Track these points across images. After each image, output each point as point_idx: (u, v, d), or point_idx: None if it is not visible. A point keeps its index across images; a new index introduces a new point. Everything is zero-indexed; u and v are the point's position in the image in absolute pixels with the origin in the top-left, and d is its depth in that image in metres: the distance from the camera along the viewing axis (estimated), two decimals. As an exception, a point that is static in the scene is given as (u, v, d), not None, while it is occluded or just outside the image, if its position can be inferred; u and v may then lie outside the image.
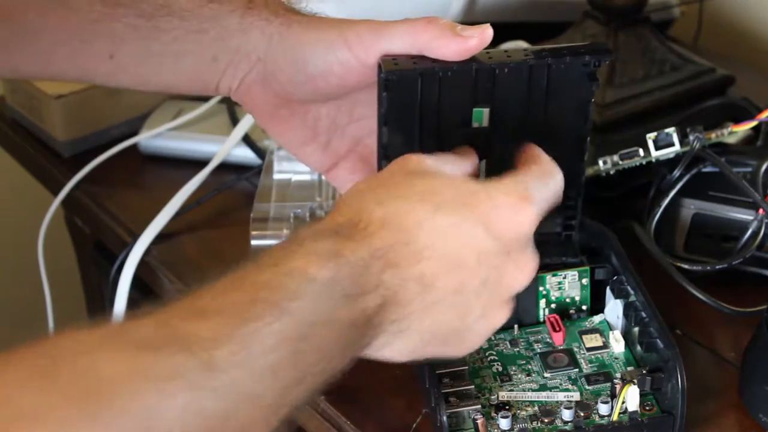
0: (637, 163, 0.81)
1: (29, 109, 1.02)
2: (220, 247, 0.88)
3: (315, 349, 0.52)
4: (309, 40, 0.65)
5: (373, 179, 0.60)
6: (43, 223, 0.98)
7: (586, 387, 0.70)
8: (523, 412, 0.68)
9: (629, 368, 0.70)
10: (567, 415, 0.67)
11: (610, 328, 0.74)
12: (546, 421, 0.67)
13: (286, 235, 0.81)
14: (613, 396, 0.67)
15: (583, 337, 0.73)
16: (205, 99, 1.01)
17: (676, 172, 0.80)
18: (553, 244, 0.72)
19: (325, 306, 0.53)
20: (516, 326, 0.74)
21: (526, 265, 0.60)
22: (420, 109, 0.65)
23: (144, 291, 0.93)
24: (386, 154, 0.66)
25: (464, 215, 0.57)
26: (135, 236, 0.88)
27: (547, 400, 0.69)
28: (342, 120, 0.68)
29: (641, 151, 0.80)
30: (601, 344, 0.73)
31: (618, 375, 0.70)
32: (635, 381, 0.67)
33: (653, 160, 0.80)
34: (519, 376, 0.71)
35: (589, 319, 0.75)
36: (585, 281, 0.75)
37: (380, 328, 0.56)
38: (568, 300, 0.75)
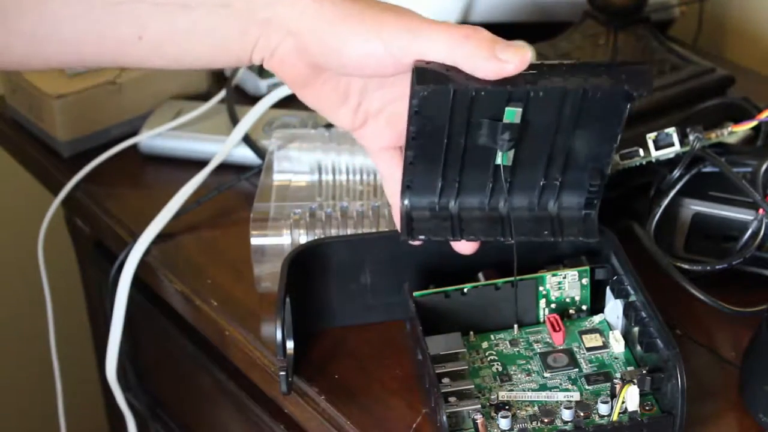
0: (637, 163, 0.81)
1: (29, 109, 1.02)
2: (220, 247, 0.88)
3: None
4: (343, 30, 0.64)
5: None
6: (43, 223, 0.98)
7: (586, 387, 0.70)
8: (523, 412, 0.68)
9: (629, 368, 0.70)
10: (567, 415, 0.67)
11: (610, 328, 0.74)
12: (546, 421, 0.67)
13: (285, 234, 0.81)
14: (613, 396, 0.67)
15: (583, 337, 0.73)
16: (205, 99, 1.01)
17: (676, 172, 0.80)
18: (573, 221, 0.71)
19: None
20: (516, 326, 0.74)
21: None
22: (450, 117, 0.65)
23: (144, 291, 0.93)
24: (415, 137, 0.66)
25: None
26: (135, 236, 0.88)
27: (546, 400, 0.69)
28: (373, 85, 0.68)
29: (641, 151, 0.80)
30: (601, 344, 0.73)
31: (618, 375, 0.70)
32: (635, 381, 0.67)
33: (653, 160, 0.80)
34: (519, 376, 0.71)
35: (589, 319, 0.75)
36: (585, 281, 0.75)
37: None
38: (568, 300, 0.75)
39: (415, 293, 0.73)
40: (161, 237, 0.88)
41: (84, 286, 1.15)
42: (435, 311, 0.73)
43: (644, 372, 0.68)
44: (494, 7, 1.09)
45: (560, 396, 0.69)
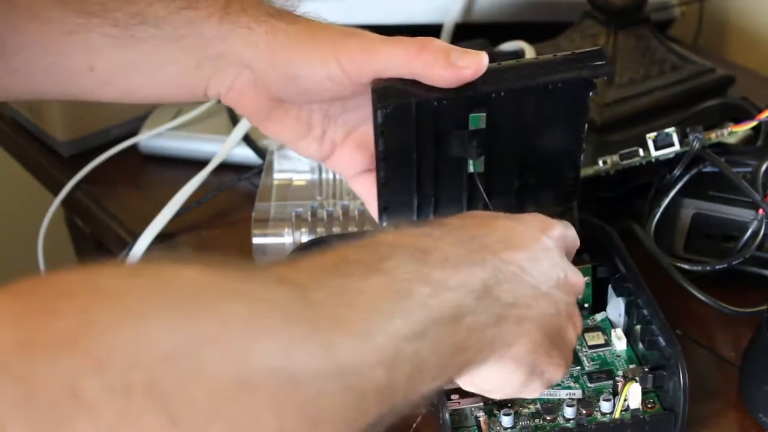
0: (637, 163, 0.81)
1: (29, 109, 1.02)
2: (220, 247, 0.88)
3: (433, 345, 0.50)
4: (299, 57, 0.63)
5: None
6: (43, 223, 0.98)
7: (588, 385, 0.70)
8: (525, 410, 0.68)
9: (631, 366, 0.70)
10: (569, 412, 0.67)
11: (612, 326, 0.74)
12: (548, 418, 0.67)
13: (287, 234, 0.81)
14: (615, 393, 0.68)
15: (586, 335, 0.73)
16: (205, 99, 1.01)
17: (676, 172, 0.80)
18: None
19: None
20: None
21: (577, 275, 0.62)
22: (416, 131, 0.65)
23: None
24: (384, 157, 0.66)
25: (519, 220, 0.61)
26: (135, 236, 0.88)
27: (549, 397, 0.69)
28: (335, 111, 0.68)
29: (641, 151, 0.80)
30: (603, 342, 0.73)
31: (620, 373, 0.70)
32: (637, 379, 0.67)
33: (653, 160, 0.80)
34: None
35: (591, 317, 0.75)
36: (587, 279, 0.75)
37: (501, 306, 0.55)
38: None
39: None
40: (161, 237, 0.88)
41: (84, 286, 1.15)
42: None
43: (646, 370, 0.68)
44: (494, 7, 1.09)
45: (562, 393, 0.69)
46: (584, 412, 0.67)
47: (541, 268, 0.58)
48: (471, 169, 0.67)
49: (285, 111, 0.67)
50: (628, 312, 0.72)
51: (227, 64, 0.65)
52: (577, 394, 0.69)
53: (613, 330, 0.73)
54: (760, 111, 0.83)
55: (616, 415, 0.67)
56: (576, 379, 0.70)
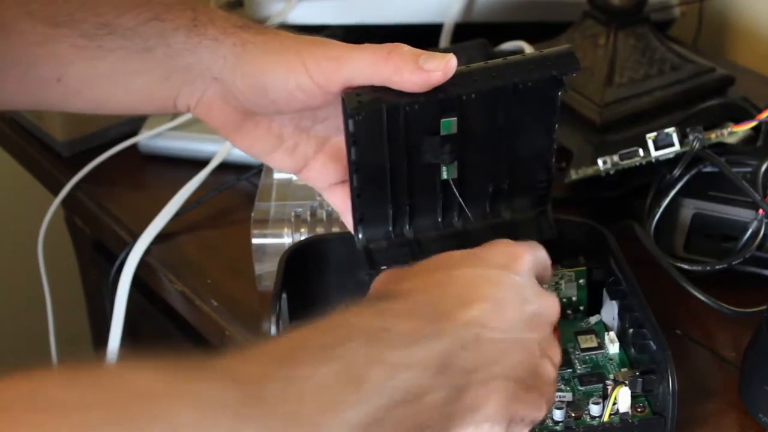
0: (637, 163, 0.81)
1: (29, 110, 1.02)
2: (220, 247, 0.88)
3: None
4: (267, 67, 0.63)
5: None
6: (43, 223, 0.98)
7: (579, 388, 0.70)
8: None
9: (623, 369, 0.70)
10: (558, 415, 0.67)
11: (606, 329, 0.74)
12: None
13: (286, 234, 0.81)
14: (605, 397, 0.67)
15: (579, 337, 0.73)
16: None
17: (676, 172, 0.80)
18: (529, 222, 0.70)
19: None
20: None
21: (550, 300, 0.61)
22: (388, 138, 0.64)
23: (144, 291, 0.93)
24: (357, 168, 0.65)
25: (480, 264, 0.60)
26: (135, 236, 0.88)
27: None
28: (306, 123, 0.67)
29: (641, 151, 0.80)
30: (596, 345, 0.72)
31: (611, 376, 0.70)
32: (627, 382, 0.67)
33: (653, 160, 0.80)
34: None
35: (585, 320, 0.75)
36: (582, 281, 0.75)
37: (462, 375, 0.54)
38: (564, 300, 0.75)
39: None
40: (161, 237, 0.88)
41: (84, 286, 1.15)
42: None
43: (637, 374, 0.68)
44: (494, 7, 1.09)
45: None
46: (573, 415, 0.67)
47: (506, 314, 0.57)
48: (445, 176, 0.67)
49: (255, 124, 0.67)
50: (621, 315, 0.72)
51: (196, 76, 0.65)
52: (567, 397, 0.69)
53: (606, 333, 0.73)
54: (760, 111, 0.83)
55: (605, 418, 0.67)
56: (567, 382, 0.70)
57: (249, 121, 0.67)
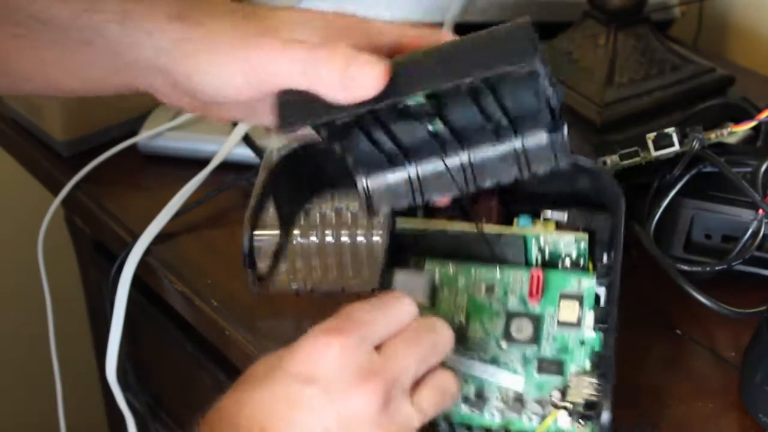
0: (637, 163, 0.81)
1: (29, 109, 1.02)
2: (220, 247, 0.88)
3: None
4: (200, 67, 0.61)
5: None
6: (43, 223, 0.98)
7: (535, 375, 0.66)
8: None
9: (580, 373, 0.66)
10: (497, 406, 0.64)
11: (597, 302, 0.69)
12: (475, 409, 0.64)
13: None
14: (554, 404, 0.64)
15: (561, 302, 0.68)
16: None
17: (676, 172, 0.80)
18: (541, 150, 0.65)
19: None
20: (498, 269, 0.70)
21: (359, 395, 0.56)
22: (356, 124, 0.61)
23: (144, 291, 0.93)
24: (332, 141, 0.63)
25: (273, 379, 0.57)
26: (135, 236, 0.88)
27: (489, 379, 0.66)
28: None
29: (641, 151, 0.80)
30: (575, 320, 0.68)
31: (572, 369, 0.66)
32: (567, 408, 0.64)
33: (653, 160, 0.80)
34: (476, 337, 0.67)
35: (579, 277, 0.70)
36: (583, 245, 0.70)
37: None
38: (563, 254, 0.71)
39: (396, 226, 0.69)
40: (161, 237, 0.88)
41: (84, 286, 1.15)
42: (413, 239, 0.69)
43: (576, 407, 0.64)
44: (494, 7, 1.09)
45: (503, 379, 0.66)
46: (511, 414, 0.64)
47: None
48: (431, 128, 0.63)
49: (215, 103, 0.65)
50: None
51: (142, 69, 0.63)
52: (519, 384, 0.65)
53: (588, 311, 0.68)
54: (760, 111, 0.83)
55: None
56: (526, 363, 0.66)
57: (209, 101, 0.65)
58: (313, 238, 0.81)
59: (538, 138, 0.65)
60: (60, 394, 1.07)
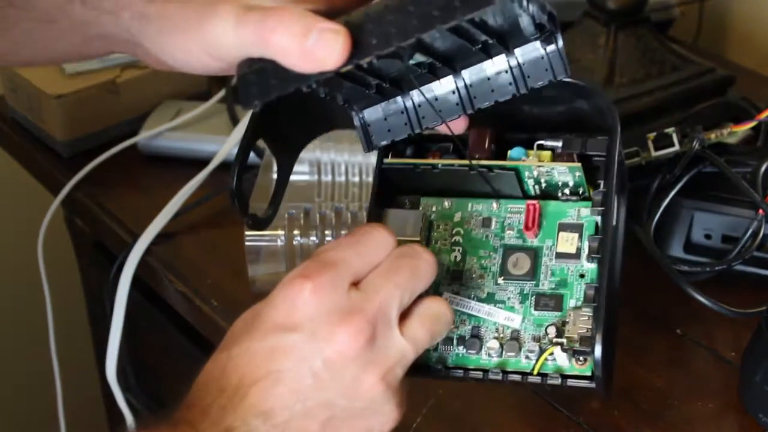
0: (637, 163, 0.81)
1: (29, 109, 1.02)
2: (220, 247, 0.88)
3: None
4: (164, 45, 0.59)
5: None
6: (43, 223, 0.99)
7: (532, 312, 0.63)
8: (455, 329, 0.63)
9: (579, 305, 0.62)
10: (494, 346, 0.61)
11: (596, 230, 0.64)
12: (472, 351, 0.62)
13: (280, 235, 0.81)
14: (551, 341, 0.61)
15: (560, 234, 0.64)
16: (204, 99, 1.01)
17: (676, 172, 0.80)
18: (538, 63, 0.61)
19: None
20: (495, 203, 0.66)
21: (341, 335, 0.55)
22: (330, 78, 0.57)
23: (144, 291, 0.93)
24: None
25: (253, 333, 0.56)
26: (135, 236, 0.88)
27: (485, 318, 0.63)
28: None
29: (641, 151, 0.80)
30: (574, 252, 0.63)
31: (571, 304, 0.62)
32: (563, 344, 0.60)
33: (653, 160, 0.80)
34: (473, 274, 0.64)
35: (578, 206, 0.65)
36: (578, 174, 0.65)
37: None
38: (560, 184, 0.66)
39: (384, 161, 0.66)
40: (161, 237, 0.88)
41: (84, 286, 1.15)
42: (404, 177, 0.66)
43: (573, 342, 0.61)
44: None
45: (501, 317, 0.63)
46: (507, 354, 0.61)
47: (289, 387, 0.55)
48: (410, 61, 0.60)
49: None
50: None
51: (113, 41, 0.62)
52: (515, 321, 0.62)
53: (587, 242, 0.63)
54: (760, 111, 0.83)
55: (534, 371, 0.61)
56: (523, 299, 0.63)
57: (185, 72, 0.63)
58: (313, 238, 0.81)
59: (532, 51, 0.61)
60: (60, 394, 1.07)
